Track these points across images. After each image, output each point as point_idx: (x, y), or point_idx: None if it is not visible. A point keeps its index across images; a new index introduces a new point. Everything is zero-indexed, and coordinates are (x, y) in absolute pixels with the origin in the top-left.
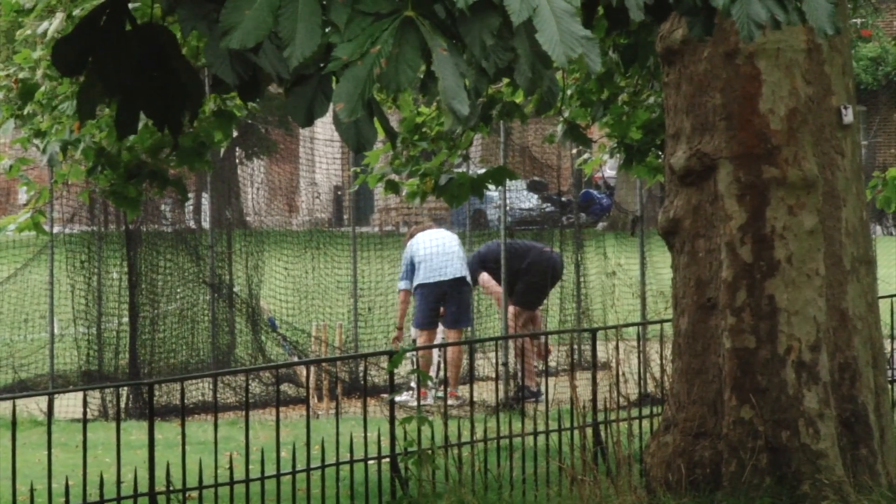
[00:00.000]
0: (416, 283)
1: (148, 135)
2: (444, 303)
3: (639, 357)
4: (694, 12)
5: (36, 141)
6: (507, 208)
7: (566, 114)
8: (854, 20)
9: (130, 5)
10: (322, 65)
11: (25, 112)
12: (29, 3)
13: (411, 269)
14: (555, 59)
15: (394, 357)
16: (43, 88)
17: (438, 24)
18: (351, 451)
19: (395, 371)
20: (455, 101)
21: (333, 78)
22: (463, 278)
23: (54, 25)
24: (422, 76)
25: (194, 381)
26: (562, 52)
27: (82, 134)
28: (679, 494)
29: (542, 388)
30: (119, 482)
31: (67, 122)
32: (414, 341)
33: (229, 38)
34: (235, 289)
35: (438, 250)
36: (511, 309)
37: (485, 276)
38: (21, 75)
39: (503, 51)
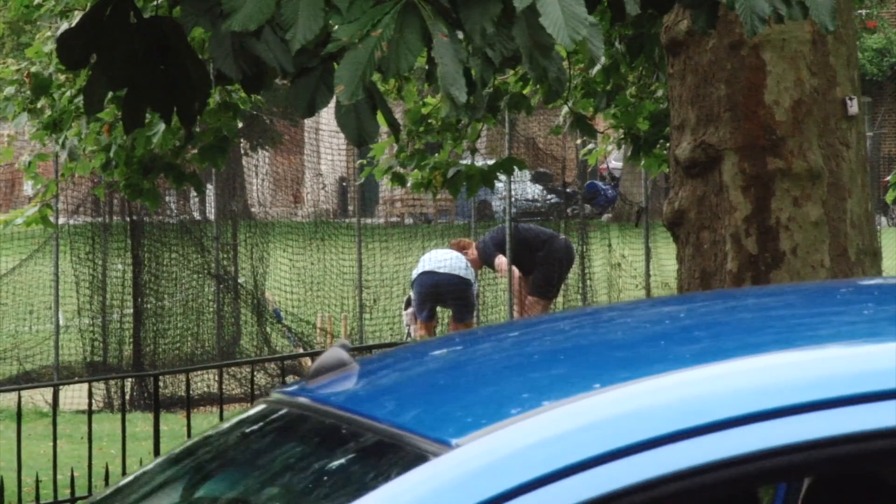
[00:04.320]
0: (415, 273)
1: (171, 136)
2: (445, 300)
3: None
4: (698, 5)
5: (52, 135)
6: (513, 199)
7: (570, 104)
8: (859, 11)
9: None
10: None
11: (38, 106)
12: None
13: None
14: (559, 41)
15: None
16: (56, 81)
17: (440, 10)
18: None
19: None
20: (453, 87)
21: (336, 68)
22: (466, 280)
23: (72, 25)
24: (426, 66)
25: (199, 372)
26: (566, 35)
27: (114, 136)
28: None
29: None
30: (124, 474)
31: (85, 115)
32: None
33: (231, 22)
34: (240, 280)
35: (442, 255)
36: (529, 299)
37: (502, 259)
38: (33, 69)
39: (508, 39)
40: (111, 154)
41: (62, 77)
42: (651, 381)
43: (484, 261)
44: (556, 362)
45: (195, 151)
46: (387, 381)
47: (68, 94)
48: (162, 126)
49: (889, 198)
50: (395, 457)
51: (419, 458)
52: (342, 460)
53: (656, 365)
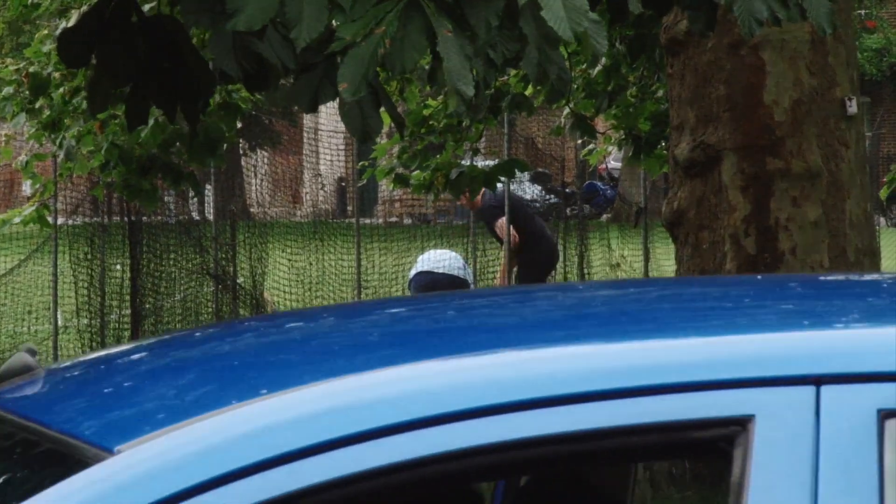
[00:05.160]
0: (412, 273)
1: (159, 131)
2: None
3: None
4: (695, 7)
5: (50, 135)
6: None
7: (571, 105)
8: (858, 11)
9: None
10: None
11: (37, 106)
12: None
13: None
14: (561, 34)
15: None
16: (54, 80)
17: (444, 6)
18: None
19: None
20: (460, 82)
21: (340, 65)
22: (464, 280)
23: (71, 24)
24: (428, 66)
25: None
26: (567, 28)
27: (106, 135)
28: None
29: None
30: None
31: (83, 115)
32: None
33: (235, 21)
34: (239, 280)
35: (439, 255)
36: None
37: (503, 222)
38: (31, 69)
39: (511, 40)
40: (104, 153)
41: (58, 75)
42: (323, 385)
43: (483, 210)
44: (247, 365)
45: (184, 150)
46: (69, 387)
47: (61, 91)
48: (151, 121)
49: (883, 194)
50: (59, 464)
51: (80, 464)
52: (7, 468)
53: (344, 367)
